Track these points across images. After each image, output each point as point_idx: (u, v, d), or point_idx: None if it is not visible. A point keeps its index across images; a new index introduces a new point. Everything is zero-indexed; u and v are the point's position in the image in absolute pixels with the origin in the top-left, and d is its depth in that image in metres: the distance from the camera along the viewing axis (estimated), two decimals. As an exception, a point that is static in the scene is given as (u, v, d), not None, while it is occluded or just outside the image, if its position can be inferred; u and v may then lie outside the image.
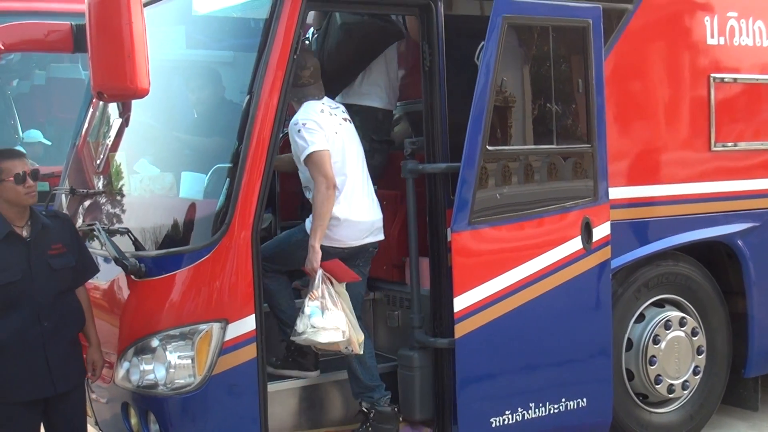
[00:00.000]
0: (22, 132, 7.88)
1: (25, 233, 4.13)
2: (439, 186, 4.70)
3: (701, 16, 5.57)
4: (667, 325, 5.47)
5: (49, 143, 7.79)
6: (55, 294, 4.12)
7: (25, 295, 4.07)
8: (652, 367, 5.43)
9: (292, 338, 4.41)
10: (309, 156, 4.48)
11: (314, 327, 4.31)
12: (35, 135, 7.80)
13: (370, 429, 4.72)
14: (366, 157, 5.28)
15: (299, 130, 4.52)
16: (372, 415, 4.71)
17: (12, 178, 4.06)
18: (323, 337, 4.33)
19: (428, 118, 4.73)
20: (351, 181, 4.63)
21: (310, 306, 4.33)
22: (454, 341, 4.57)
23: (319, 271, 4.41)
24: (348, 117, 4.83)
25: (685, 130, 5.54)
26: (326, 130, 4.56)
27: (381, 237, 4.80)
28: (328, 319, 4.33)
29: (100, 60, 3.69)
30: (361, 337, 4.51)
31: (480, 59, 4.62)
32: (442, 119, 4.70)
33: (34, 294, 4.07)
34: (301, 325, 4.33)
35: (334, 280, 4.44)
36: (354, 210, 4.61)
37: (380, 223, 4.78)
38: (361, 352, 4.55)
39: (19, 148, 7.21)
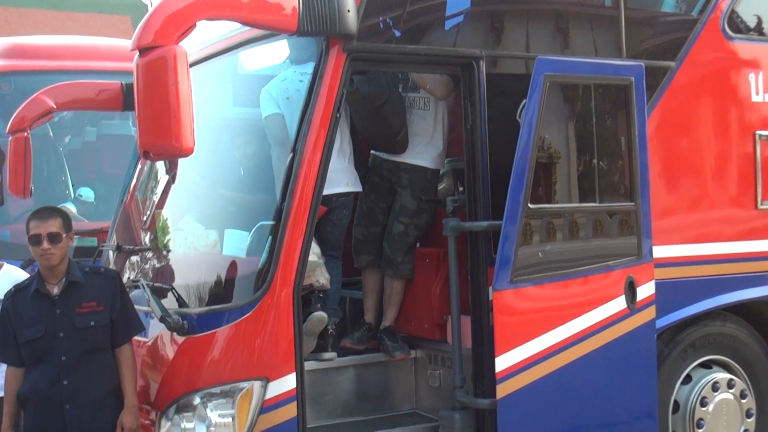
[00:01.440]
0: (73, 188, 8.05)
1: (55, 290, 4.19)
2: (481, 244, 4.69)
3: (746, 73, 5.55)
4: (715, 387, 5.36)
5: (92, 200, 7.95)
6: (80, 353, 4.14)
7: (48, 351, 4.12)
8: (700, 430, 5.30)
9: None
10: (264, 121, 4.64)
11: None
12: (88, 194, 7.96)
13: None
14: (412, 216, 5.26)
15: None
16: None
17: (28, 239, 4.15)
18: None
19: (470, 175, 4.74)
20: None
21: None
22: (496, 402, 4.51)
23: None
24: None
25: (731, 188, 5.48)
26: (277, 96, 4.70)
27: (341, 189, 5.02)
28: None
29: (146, 119, 3.76)
30: (327, 275, 4.83)
31: (522, 117, 4.63)
32: (483, 177, 4.70)
33: (57, 351, 4.12)
34: None
35: None
36: None
37: (336, 174, 4.93)
38: (330, 288, 4.88)
39: (70, 204, 7.39)
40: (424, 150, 5.32)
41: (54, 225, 4.18)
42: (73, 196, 7.90)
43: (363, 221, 5.41)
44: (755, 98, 5.56)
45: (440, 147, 5.37)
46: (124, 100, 5.49)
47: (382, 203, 5.42)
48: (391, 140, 5.28)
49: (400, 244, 5.31)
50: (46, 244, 4.13)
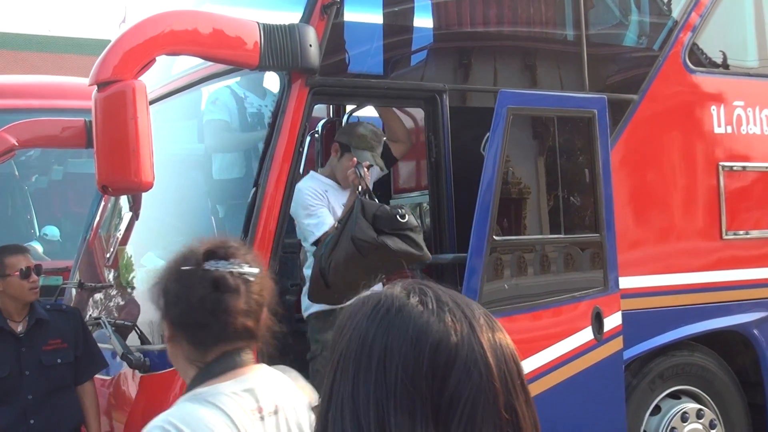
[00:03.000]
0: (39, 227, 7.98)
1: (19, 328, 4.14)
2: (447, 277, 4.67)
3: (708, 105, 5.60)
4: (684, 418, 5.34)
5: (58, 238, 7.88)
6: (46, 391, 4.09)
7: (13, 391, 4.05)
8: (670, 461, 5.29)
9: None
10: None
11: None
12: (54, 232, 7.90)
13: None
14: None
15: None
16: None
17: (17, 273, 4.09)
18: None
19: (435, 209, 4.74)
20: None
21: None
22: (463, 435, 4.46)
23: None
24: None
25: (696, 219, 5.51)
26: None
27: None
28: None
29: (105, 154, 3.73)
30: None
31: (486, 150, 4.65)
32: (449, 210, 4.70)
33: (23, 390, 4.05)
34: None
35: None
36: None
37: None
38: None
39: (36, 243, 7.32)
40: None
41: (30, 259, 4.21)
42: (38, 235, 7.83)
43: None
44: (717, 130, 5.61)
45: None
46: (88, 137, 5.44)
47: None
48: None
49: None
50: (34, 276, 4.13)
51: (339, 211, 4.51)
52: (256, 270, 2.11)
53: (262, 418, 2.10)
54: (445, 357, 1.18)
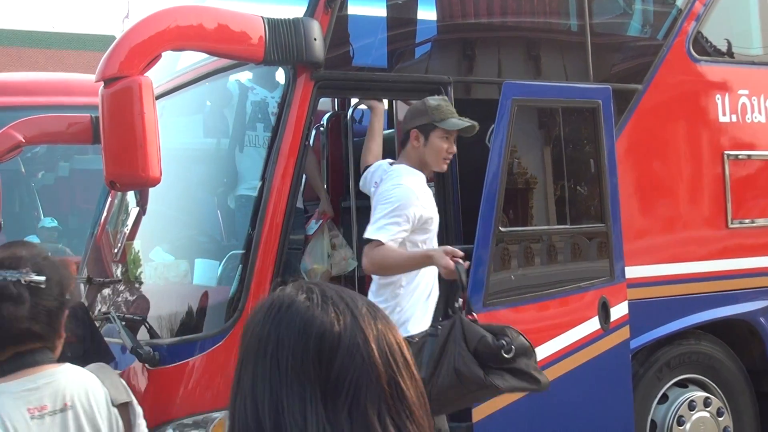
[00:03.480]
0: (43, 222, 8.03)
1: None
2: (453, 268, 4.68)
3: (712, 94, 5.60)
4: (692, 406, 5.36)
5: (55, 225, 7.90)
6: None
7: None
8: (678, 450, 5.30)
9: None
10: None
11: None
12: (47, 221, 7.95)
13: None
14: None
15: None
16: None
17: None
18: None
19: (440, 200, 4.75)
20: None
21: None
22: (472, 425, 4.49)
23: None
24: None
25: (702, 208, 5.52)
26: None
27: None
28: None
29: (112, 150, 3.75)
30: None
31: (491, 141, 4.65)
32: (454, 201, 4.71)
33: None
34: None
35: None
36: None
37: None
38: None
39: (34, 237, 7.36)
40: None
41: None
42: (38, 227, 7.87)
43: None
44: (722, 119, 5.62)
45: None
46: (94, 133, 5.46)
47: None
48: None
49: None
50: None
51: (426, 214, 4.18)
52: (43, 278, 2.35)
53: (41, 417, 2.32)
54: (330, 344, 1.34)
